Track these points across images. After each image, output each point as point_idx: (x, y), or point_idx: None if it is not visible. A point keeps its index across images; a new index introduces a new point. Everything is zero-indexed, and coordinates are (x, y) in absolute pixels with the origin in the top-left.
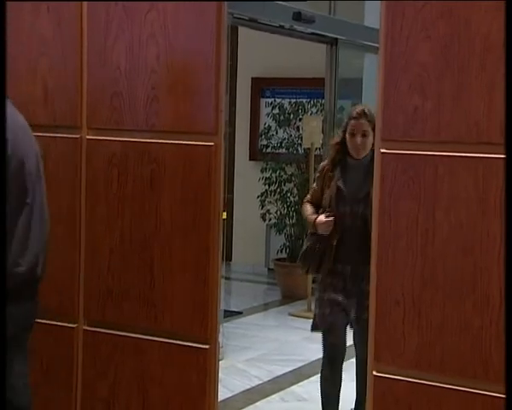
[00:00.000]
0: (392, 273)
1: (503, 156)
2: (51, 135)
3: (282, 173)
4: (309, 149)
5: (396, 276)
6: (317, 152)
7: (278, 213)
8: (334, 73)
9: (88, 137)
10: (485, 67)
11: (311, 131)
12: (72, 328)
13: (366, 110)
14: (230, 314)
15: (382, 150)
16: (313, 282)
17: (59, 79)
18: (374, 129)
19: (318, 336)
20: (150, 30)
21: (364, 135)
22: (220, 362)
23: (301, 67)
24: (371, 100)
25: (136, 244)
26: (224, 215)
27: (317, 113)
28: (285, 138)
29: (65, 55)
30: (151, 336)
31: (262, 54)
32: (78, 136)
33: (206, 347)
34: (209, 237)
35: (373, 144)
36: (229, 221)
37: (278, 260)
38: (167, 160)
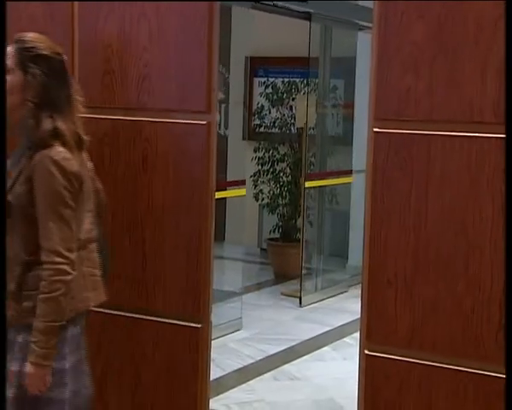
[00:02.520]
0: (384, 253)
1: (496, 136)
2: None
3: (275, 153)
4: (302, 128)
5: (388, 255)
6: (311, 132)
7: (271, 192)
8: (328, 52)
9: (81, 115)
10: (478, 46)
11: (304, 110)
12: None
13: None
14: (223, 294)
15: (375, 129)
16: (305, 262)
17: None
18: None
19: (310, 315)
20: (141, 8)
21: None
22: (212, 341)
23: (294, 47)
24: (364, 79)
25: (128, 224)
26: (220, 195)
27: (310, 92)
28: (278, 118)
29: (56, 34)
30: (143, 315)
31: (256, 33)
32: None
33: (199, 326)
34: (201, 217)
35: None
36: (221, 201)
37: (271, 239)
38: (159, 139)
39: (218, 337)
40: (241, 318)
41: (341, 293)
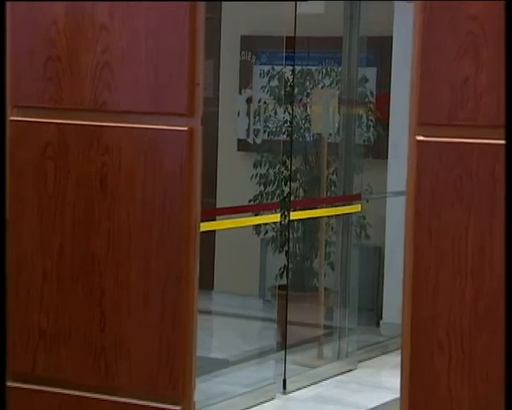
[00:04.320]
0: (432, 306)
1: None
2: None
3: (283, 169)
4: (320, 135)
5: (438, 309)
6: (331, 139)
7: (278, 223)
8: (355, 30)
9: (12, 118)
10: None
11: (323, 110)
12: None
13: None
14: (211, 364)
15: (419, 138)
16: (325, 319)
17: None
18: None
19: (332, 393)
20: None
21: None
22: None
23: (309, 23)
24: (404, 67)
25: (79, 267)
26: (208, 226)
27: (330, 85)
28: (287, 121)
29: None
30: (101, 394)
31: (255, 4)
32: None
33: (177, 408)
34: (181, 257)
35: None
36: (209, 235)
37: (278, 287)
38: (124, 150)
39: None
40: (235, 397)
41: (374, 361)
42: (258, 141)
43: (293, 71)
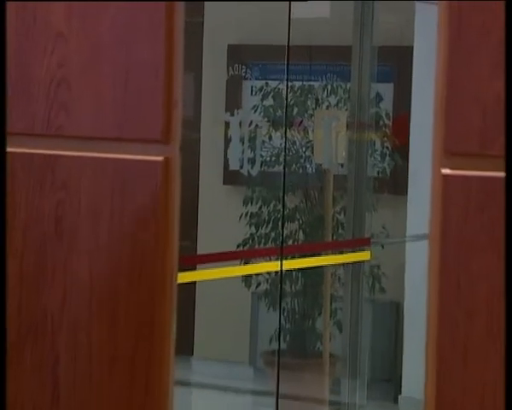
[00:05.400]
0: (462, 378)
1: None
2: None
3: (280, 207)
4: (324, 165)
5: (470, 383)
6: (338, 171)
7: (272, 273)
8: (368, 37)
9: None
10: None
11: (328, 135)
12: None
13: None
14: None
15: (445, 171)
16: (331, 392)
17: None
18: None
19: None
20: None
21: None
22: None
23: (311, 29)
24: (428, 83)
25: (28, 329)
26: (187, 277)
27: (337, 105)
28: (284, 148)
29: None
30: None
31: (244, 8)
32: None
33: None
34: (154, 315)
35: None
36: (189, 288)
37: (273, 353)
38: (85, 185)
39: None
40: None
41: None
42: (254, 172)
43: (291, 87)
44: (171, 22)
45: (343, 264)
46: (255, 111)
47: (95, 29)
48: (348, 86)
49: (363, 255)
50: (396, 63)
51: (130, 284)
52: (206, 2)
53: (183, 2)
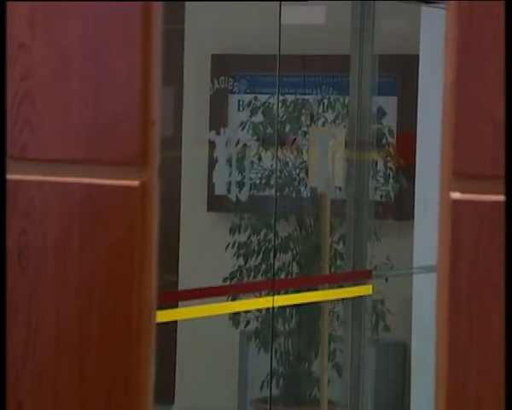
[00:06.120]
0: None
1: None
2: None
3: (271, 236)
4: (319, 189)
5: None
6: (336, 195)
7: (263, 310)
8: (368, 46)
9: None
10: None
11: (325, 156)
12: None
13: None
14: None
15: (454, 195)
16: None
17: None
18: None
19: None
20: None
21: None
22: None
23: (305, 38)
24: (436, 96)
25: None
26: (167, 316)
27: (335, 121)
28: (275, 170)
29: None
30: None
31: (229, 13)
32: None
33: None
34: (130, 358)
35: None
36: (169, 328)
37: (264, 400)
38: (52, 214)
39: None
40: None
41: None
42: (243, 197)
43: (283, 101)
44: (147, 29)
45: (342, 299)
46: (243, 128)
47: (61, 38)
48: (346, 100)
49: (365, 289)
50: (400, 74)
51: (103, 325)
52: (187, 8)
53: (161, 8)
